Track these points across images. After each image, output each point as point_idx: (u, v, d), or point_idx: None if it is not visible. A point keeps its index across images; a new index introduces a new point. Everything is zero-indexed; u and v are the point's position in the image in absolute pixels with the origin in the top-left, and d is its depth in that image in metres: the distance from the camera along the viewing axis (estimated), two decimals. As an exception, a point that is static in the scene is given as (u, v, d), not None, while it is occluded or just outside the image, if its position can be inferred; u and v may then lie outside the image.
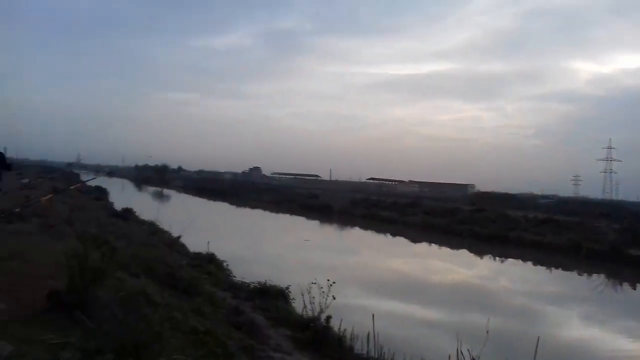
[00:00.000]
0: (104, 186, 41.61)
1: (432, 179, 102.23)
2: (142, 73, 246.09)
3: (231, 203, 55.36)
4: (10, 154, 27.90)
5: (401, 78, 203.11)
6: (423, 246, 29.53)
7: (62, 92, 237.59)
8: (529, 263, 24.48)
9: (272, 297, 11.15)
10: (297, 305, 10.56)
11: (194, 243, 16.16)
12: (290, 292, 11.36)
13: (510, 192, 70.35)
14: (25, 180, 28.90)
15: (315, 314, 8.81)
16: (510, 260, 25.08)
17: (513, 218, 33.45)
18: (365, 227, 36.43)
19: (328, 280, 8.67)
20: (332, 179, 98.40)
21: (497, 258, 25.50)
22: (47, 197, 10.97)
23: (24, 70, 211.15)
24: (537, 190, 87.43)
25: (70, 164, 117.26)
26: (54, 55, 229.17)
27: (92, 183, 42.03)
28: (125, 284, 5.77)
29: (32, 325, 4.45)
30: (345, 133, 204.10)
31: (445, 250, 27.91)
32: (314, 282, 9.08)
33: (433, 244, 29.28)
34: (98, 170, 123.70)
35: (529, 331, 10.95)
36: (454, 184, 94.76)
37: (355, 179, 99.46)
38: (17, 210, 9.93)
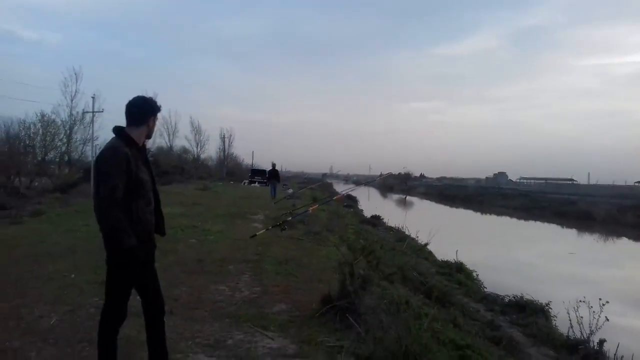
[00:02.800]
0: (353, 194, 44.58)
1: None
2: (385, 86, 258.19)
3: (475, 210, 53.68)
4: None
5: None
6: None
7: (314, 110, 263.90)
8: None
9: (530, 312, 10.38)
10: (559, 324, 9.68)
11: (441, 251, 16.07)
12: (550, 308, 10.44)
13: None
14: (290, 191, 32.73)
15: (585, 335, 7.89)
16: None
17: None
18: (637, 238, 31.42)
19: (600, 299, 7.68)
20: (591, 182, 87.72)
21: None
22: (314, 206, 12.15)
23: (279, 92, 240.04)
24: None
25: (324, 175, 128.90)
26: (306, 77, 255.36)
27: (343, 190, 45.46)
28: (387, 292, 6.00)
29: (310, 327, 4.92)
30: (605, 132, 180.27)
31: None
32: (582, 299, 8.16)
33: None
34: (347, 179, 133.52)
35: None
36: None
37: (619, 182, 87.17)
38: (289, 218, 11.24)
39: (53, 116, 29.28)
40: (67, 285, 6.11)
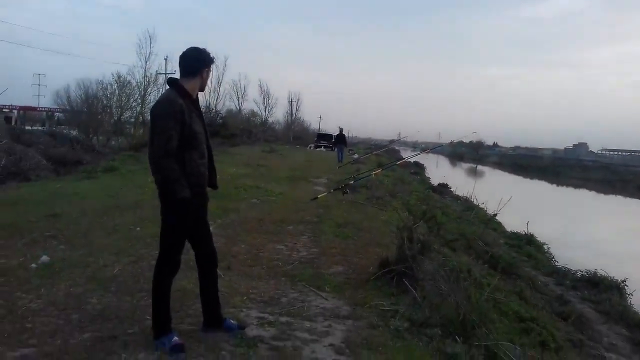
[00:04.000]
0: (421, 162, 43.68)
1: None
2: (463, 50, 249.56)
3: (551, 182, 51.29)
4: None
5: None
6: None
7: (385, 75, 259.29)
8: None
9: (604, 289, 9.80)
10: (635, 303, 9.11)
11: (511, 223, 15.44)
12: (627, 286, 9.81)
13: None
14: (355, 156, 32.51)
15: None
16: None
17: None
18: None
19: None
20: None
21: None
22: (377, 171, 11.91)
23: (350, 55, 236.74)
24: None
25: (392, 141, 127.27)
26: (379, 39, 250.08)
27: (409, 156, 44.62)
28: (448, 259, 5.76)
29: (365, 290, 4.80)
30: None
31: None
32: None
33: None
34: (415, 146, 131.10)
35: None
36: None
37: None
38: (352, 182, 11.10)
39: (128, 77, 30.45)
40: (132, 238, 6.30)
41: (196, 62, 3.36)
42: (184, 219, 3.25)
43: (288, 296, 4.57)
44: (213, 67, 3.52)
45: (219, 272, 4.19)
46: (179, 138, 3.14)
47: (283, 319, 3.99)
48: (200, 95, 3.54)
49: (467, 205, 18.45)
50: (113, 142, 25.40)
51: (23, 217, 7.21)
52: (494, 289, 5.71)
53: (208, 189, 3.52)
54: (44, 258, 5.10)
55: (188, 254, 3.59)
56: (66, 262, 5.10)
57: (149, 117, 3.46)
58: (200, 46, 3.44)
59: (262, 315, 4.04)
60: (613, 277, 9.98)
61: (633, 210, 33.26)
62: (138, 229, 6.80)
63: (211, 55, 3.44)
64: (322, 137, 55.05)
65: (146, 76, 34.38)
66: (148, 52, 35.62)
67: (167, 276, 3.36)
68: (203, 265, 3.57)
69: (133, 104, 30.72)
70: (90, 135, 24.21)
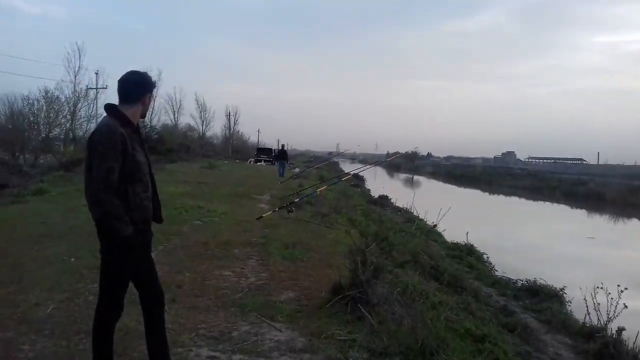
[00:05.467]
0: (360, 174, 44.19)
1: None
2: (393, 63, 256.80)
3: (483, 190, 53.24)
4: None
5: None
6: None
7: (320, 87, 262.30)
8: None
9: (544, 297, 10.12)
10: (575, 310, 9.41)
11: (450, 232, 15.77)
12: (565, 293, 10.18)
13: None
14: (297, 170, 32.44)
15: (602, 323, 7.60)
16: None
17: None
18: (649, 219, 30.97)
19: (618, 285, 7.37)
20: (600, 162, 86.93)
21: None
22: (322, 188, 11.85)
23: (285, 68, 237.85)
24: None
25: (330, 153, 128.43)
26: (312, 53, 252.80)
27: (349, 170, 45.11)
28: (400, 280, 5.72)
29: (319, 318, 4.64)
30: (617, 110, 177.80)
31: None
32: (599, 285, 7.86)
33: None
34: (354, 158, 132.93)
35: None
36: None
37: (629, 162, 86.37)
38: (296, 199, 10.96)
39: (57, 92, 29.01)
40: (66, 270, 5.86)
41: (138, 87, 3.11)
42: (128, 260, 2.98)
43: (239, 329, 4.35)
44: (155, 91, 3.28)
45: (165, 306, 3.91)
46: (120, 170, 2.88)
47: (236, 357, 3.78)
48: None
49: (407, 217, 18.73)
50: (42, 161, 24.00)
51: (-60, 250, 6.58)
52: (444, 306, 5.72)
53: (153, 224, 3.27)
54: (-34, 300, 4.62)
55: (131, 291, 3.31)
56: (-8, 302, 4.65)
57: (86, 145, 3.15)
58: (141, 69, 3.21)
59: (213, 354, 3.81)
60: (551, 285, 10.32)
61: (561, 215, 35.03)
62: (72, 259, 6.34)
63: (153, 79, 3.23)
64: (262, 152, 54.76)
65: (76, 91, 32.93)
66: (77, 66, 34.21)
67: (109, 321, 3.09)
68: (148, 305, 3.30)
69: (62, 120, 29.30)
70: (17, 154, 22.77)
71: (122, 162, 2.89)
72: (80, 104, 32.58)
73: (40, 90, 27.25)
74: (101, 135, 2.95)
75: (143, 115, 3.20)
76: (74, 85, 33.35)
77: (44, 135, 26.27)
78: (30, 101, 25.84)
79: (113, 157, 2.85)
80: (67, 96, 31.37)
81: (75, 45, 35.26)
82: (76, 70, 33.99)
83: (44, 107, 26.43)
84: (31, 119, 25.76)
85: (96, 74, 36.46)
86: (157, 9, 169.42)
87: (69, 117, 30.31)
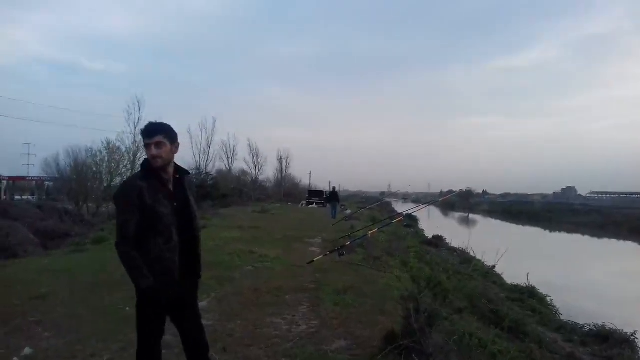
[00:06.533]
0: (413, 213, 43.52)
1: None
2: (443, 102, 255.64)
3: (544, 227, 51.21)
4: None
5: None
6: None
7: (369, 129, 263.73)
8: None
9: (614, 343, 9.47)
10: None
11: (509, 273, 15.13)
12: (637, 338, 9.50)
13: None
14: (348, 212, 32.31)
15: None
16: None
17: None
18: None
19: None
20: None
21: None
22: (373, 231, 11.71)
23: (334, 112, 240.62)
24: None
25: (382, 193, 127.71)
26: (360, 95, 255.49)
27: (402, 210, 44.52)
28: (457, 327, 5.48)
29: (372, 367, 4.49)
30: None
31: None
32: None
33: None
34: (406, 197, 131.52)
35: None
36: None
37: None
38: (348, 242, 10.86)
39: (118, 143, 30.42)
40: (121, 319, 5.96)
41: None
42: (152, 309, 3.02)
43: (290, 381, 4.25)
44: (155, 139, 3.06)
45: (215, 355, 3.89)
46: (140, 222, 2.94)
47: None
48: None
49: (464, 257, 18.16)
50: (103, 209, 25.04)
51: (6, 300, 6.85)
52: (504, 355, 5.42)
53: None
54: (27, 350, 4.76)
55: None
56: (51, 352, 4.77)
57: None
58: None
59: (263, 407, 3.72)
60: (622, 330, 9.67)
61: (628, 253, 33.08)
62: (127, 308, 6.43)
63: (144, 128, 3.13)
64: (314, 194, 55.07)
65: (136, 141, 34.49)
66: (137, 117, 35.87)
67: None
68: (190, 356, 3.31)
69: (123, 170, 30.64)
70: (80, 203, 23.89)
71: (141, 215, 2.94)
72: (140, 154, 33.99)
73: (102, 142, 28.67)
74: (118, 190, 3.14)
75: (153, 164, 3.06)
76: (134, 136, 34.91)
77: (106, 185, 27.49)
78: (94, 152, 27.23)
79: (128, 210, 2.94)
80: (128, 147, 32.92)
81: (135, 98, 37.13)
82: (136, 121, 35.63)
83: (106, 158, 27.76)
84: (94, 169, 27.07)
85: (154, 124, 38.08)
86: (213, 60, 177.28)
87: (129, 166, 31.64)
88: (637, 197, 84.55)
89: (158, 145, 3.04)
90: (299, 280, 8.69)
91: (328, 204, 30.48)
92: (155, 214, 2.97)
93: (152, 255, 2.96)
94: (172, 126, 3.17)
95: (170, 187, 3.12)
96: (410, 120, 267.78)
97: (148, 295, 2.93)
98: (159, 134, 3.05)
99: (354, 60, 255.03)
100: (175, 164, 3.19)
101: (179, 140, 3.22)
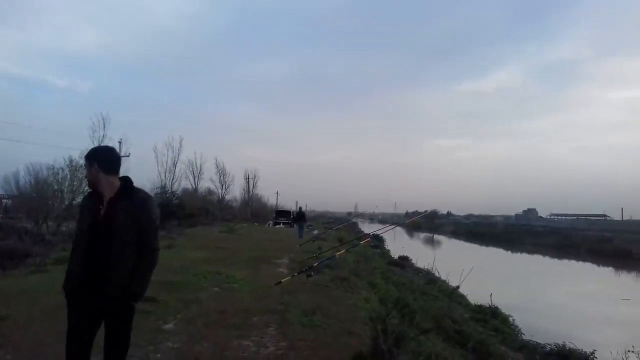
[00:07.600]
0: (379, 233, 43.80)
1: None
2: (411, 123, 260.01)
3: (506, 248, 52.31)
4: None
5: None
6: None
7: (337, 149, 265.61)
8: None
9: (574, 363, 9.74)
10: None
11: (473, 293, 15.42)
12: (596, 357, 9.79)
13: None
14: (315, 232, 32.35)
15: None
16: None
17: None
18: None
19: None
20: (625, 218, 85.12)
21: None
22: (341, 252, 11.78)
23: (303, 132, 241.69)
24: None
25: (349, 213, 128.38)
26: (329, 116, 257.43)
27: (368, 230, 44.82)
28: (423, 346, 5.56)
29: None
30: (638, 165, 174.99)
31: None
32: (630, 349, 7.58)
33: None
34: (373, 218, 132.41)
35: None
36: None
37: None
38: (315, 264, 10.89)
39: (81, 161, 29.68)
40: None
41: None
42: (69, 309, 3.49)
43: (259, 404, 4.23)
44: (97, 164, 3.37)
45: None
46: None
47: None
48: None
49: (429, 278, 18.40)
50: (64, 228, 24.30)
51: (-37, 323, 6.60)
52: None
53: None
54: (-14, 375, 4.60)
55: None
56: (11, 377, 4.62)
57: None
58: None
59: None
60: (581, 349, 9.95)
61: (586, 274, 34.07)
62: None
63: (87, 152, 3.47)
64: (281, 214, 54.84)
65: (99, 160, 33.64)
66: (101, 135, 35.25)
67: None
68: None
69: (85, 188, 29.81)
70: (40, 222, 23.16)
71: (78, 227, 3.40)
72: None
73: (64, 160, 27.96)
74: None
75: (91, 185, 3.42)
76: (98, 154, 34.10)
77: (67, 203, 26.73)
78: (55, 170, 26.48)
79: (80, 221, 3.39)
80: (92, 164, 31.98)
81: (100, 116, 36.46)
82: (100, 139, 34.98)
83: (68, 176, 26.97)
84: (55, 187, 26.31)
85: (119, 142, 37.45)
86: (180, 79, 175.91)
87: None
88: (595, 219, 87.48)
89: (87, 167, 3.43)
90: (266, 302, 8.65)
91: (295, 224, 30.46)
92: (77, 229, 3.40)
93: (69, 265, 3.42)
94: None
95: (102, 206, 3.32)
96: (378, 141, 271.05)
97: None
98: (85, 159, 3.46)
99: (324, 81, 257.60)
100: (126, 187, 3.38)
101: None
